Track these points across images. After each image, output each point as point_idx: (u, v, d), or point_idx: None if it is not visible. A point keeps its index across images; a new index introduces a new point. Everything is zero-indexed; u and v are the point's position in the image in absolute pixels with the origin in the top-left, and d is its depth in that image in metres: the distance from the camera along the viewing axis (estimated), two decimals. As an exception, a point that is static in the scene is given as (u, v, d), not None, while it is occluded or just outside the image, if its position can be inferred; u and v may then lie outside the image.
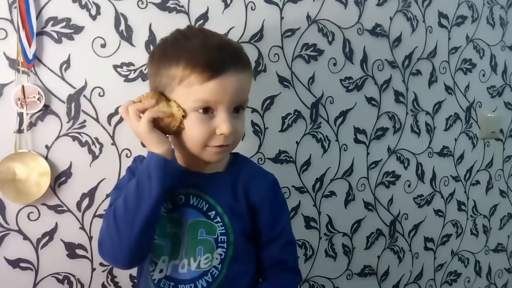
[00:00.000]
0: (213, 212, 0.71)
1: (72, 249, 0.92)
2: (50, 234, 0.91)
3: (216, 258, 0.70)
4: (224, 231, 0.71)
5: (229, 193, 0.72)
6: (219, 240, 0.70)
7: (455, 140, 1.35)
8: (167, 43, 0.70)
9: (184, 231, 0.70)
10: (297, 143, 1.11)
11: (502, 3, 1.37)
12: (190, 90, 0.65)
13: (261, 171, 0.78)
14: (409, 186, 1.29)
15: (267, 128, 1.07)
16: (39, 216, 0.90)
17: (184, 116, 0.66)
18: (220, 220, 0.71)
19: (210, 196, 0.71)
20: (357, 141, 1.19)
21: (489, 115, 1.40)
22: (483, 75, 1.38)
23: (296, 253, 0.79)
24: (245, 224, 0.72)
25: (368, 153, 1.21)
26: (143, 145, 0.94)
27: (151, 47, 0.93)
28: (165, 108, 0.66)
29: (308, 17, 1.08)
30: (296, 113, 1.10)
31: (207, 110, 0.66)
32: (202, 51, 0.66)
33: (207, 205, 0.71)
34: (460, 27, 1.31)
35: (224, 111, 0.67)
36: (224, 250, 0.71)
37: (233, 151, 0.78)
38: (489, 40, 1.37)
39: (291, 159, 1.11)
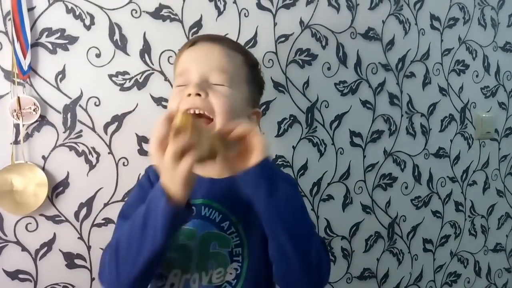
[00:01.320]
0: (227, 223, 0.67)
1: (71, 259, 0.92)
2: (49, 245, 0.91)
3: (230, 273, 0.66)
4: (239, 242, 0.67)
5: (244, 198, 0.66)
6: (234, 253, 0.67)
7: (451, 141, 1.36)
8: None
9: (195, 244, 0.66)
10: (294, 147, 1.11)
11: (493, 4, 1.39)
12: (175, 73, 0.72)
13: (280, 170, 0.78)
14: (406, 188, 1.29)
15: (263, 133, 1.07)
16: (37, 227, 0.90)
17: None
18: (234, 231, 0.67)
19: (222, 205, 0.67)
20: (353, 144, 1.19)
21: (483, 115, 1.41)
22: (477, 76, 1.39)
23: None
24: (263, 231, 0.63)
25: (364, 156, 1.21)
26: (140, 154, 0.95)
27: (146, 56, 0.94)
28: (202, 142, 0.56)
29: (301, 22, 1.09)
30: (292, 118, 1.10)
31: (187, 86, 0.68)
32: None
33: (220, 216, 0.67)
34: (452, 29, 1.32)
35: (195, 78, 0.66)
36: (240, 264, 0.66)
37: None
38: (481, 41, 1.38)
39: (288, 164, 1.11)
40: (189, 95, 0.64)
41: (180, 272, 0.67)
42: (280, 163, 1.10)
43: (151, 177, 0.71)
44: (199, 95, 0.65)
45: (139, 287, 0.63)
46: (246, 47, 1.02)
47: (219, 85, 0.67)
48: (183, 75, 0.68)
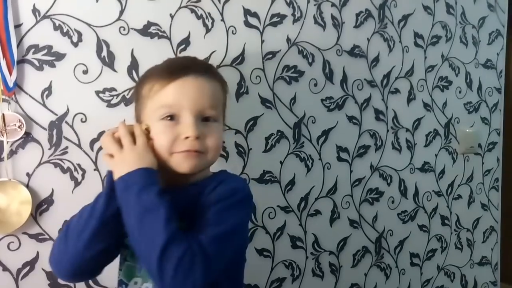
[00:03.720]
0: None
1: (54, 279, 0.90)
2: (31, 264, 0.89)
3: None
4: None
5: (194, 205, 0.68)
6: None
7: (436, 155, 1.39)
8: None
9: None
10: (281, 163, 1.12)
11: (473, 23, 1.43)
12: (154, 99, 0.70)
13: (230, 179, 0.74)
14: (392, 202, 1.30)
15: (251, 149, 1.08)
16: (19, 246, 0.88)
17: (147, 129, 0.70)
18: None
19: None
20: (340, 159, 1.20)
21: (467, 130, 1.44)
22: (460, 92, 1.42)
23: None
24: None
25: (351, 171, 1.22)
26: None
27: (133, 73, 0.94)
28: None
29: (288, 39, 1.11)
30: (279, 134, 1.11)
31: (173, 117, 0.69)
32: (166, 63, 0.76)
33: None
34: (435, 46, 1.36)
35: (189, 116, 0.68)
36: None
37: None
38: (464, 58, 1.42)
39: (276, 179, 1.11)
40: (187, 137, 0.67)
41: (141, 280, 0.70)
42: (267, 178, 1.10)
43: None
44: (198, 137, 0.68)
45: (82, 266, 0.66)
46: (234, 64, 1.04)
47: (209, 122, 0.71)
48: (170, 108, 0.69)
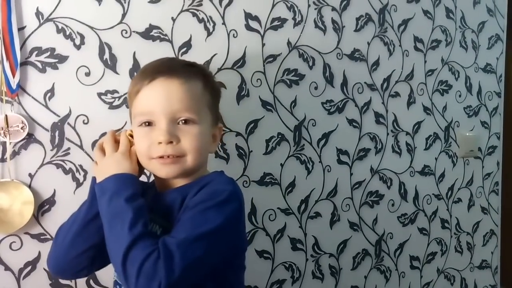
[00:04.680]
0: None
1: (55, 278, 0.91)
2: (33, 264, 0.89)
3: None
4: None
5: (178, 208, 0.69)
6: None
7: (436, 159, 1.39)
8: None
9: None
10: (282, 165, 1.13)
11: (473, 28, 1.44)
12: (133, 106, 0.72)
13: (214, 181, 0.71)
14: (392, 205, 1.31)
15: (251, 151, 1.09)
16: (21, 246, 0.88)
17: (131, 135, 0.73)
18: None
19: (161, 217, 0.69)
20: (340, 162, 1.21)
21: (467, 134, 1.45)
22: (459, 96, 1.43)
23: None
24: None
25: (351, 174, 1.23)
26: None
27: (135, 75, 0.95)
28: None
29: (288, 43, 1.12)
30: (280, 136, 1.12)
31: (150, 123, 0.69)
32: (143, 67, 0.76)
33: (160, 229, 0.69)
34: (435, 50, 1.37)
35: (163, 121, 0.68)
36: None
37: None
38: (463, 63, 1.43)
39: (276, 181, 1.12)
40: (160, 142, 0.67)
41: None
42: (268, 180, 1.11)
43: None
44: (171, 142, 0.67)
45: (72, 263, 0.71)
46: (235, 67, 1.05)
47: (187, 124, 0.69)
48: (145, 115, 0.69)
